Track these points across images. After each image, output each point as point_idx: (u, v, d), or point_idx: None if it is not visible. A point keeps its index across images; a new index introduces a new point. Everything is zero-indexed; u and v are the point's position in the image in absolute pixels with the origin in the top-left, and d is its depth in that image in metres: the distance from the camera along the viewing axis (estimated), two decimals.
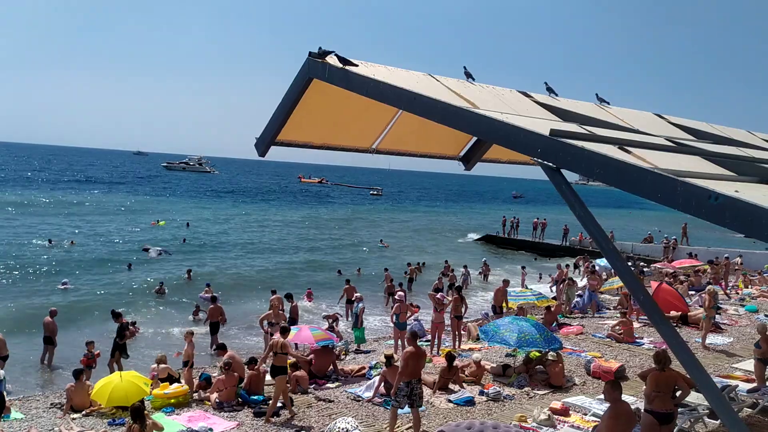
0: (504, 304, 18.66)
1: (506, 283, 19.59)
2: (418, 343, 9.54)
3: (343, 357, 15.35)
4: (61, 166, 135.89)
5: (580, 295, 21.72)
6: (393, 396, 9.30)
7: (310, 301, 23.95)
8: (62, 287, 24.72)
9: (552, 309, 18.42)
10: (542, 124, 5.56)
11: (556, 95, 8.06)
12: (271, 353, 10.86)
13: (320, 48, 6.65)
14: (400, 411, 9.41)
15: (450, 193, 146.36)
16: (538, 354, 12.71)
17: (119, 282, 26.68)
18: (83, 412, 11.08)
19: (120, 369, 13.64)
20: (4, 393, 10.80)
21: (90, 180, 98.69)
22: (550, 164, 4.56)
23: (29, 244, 34.20)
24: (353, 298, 20.06)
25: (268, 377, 11.65)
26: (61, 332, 16.69)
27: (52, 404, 12.11)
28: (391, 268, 28.29)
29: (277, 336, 11.20)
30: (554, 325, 17.68)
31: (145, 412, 8.63)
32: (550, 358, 12.57)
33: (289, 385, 11.97)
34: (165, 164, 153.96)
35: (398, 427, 9.68)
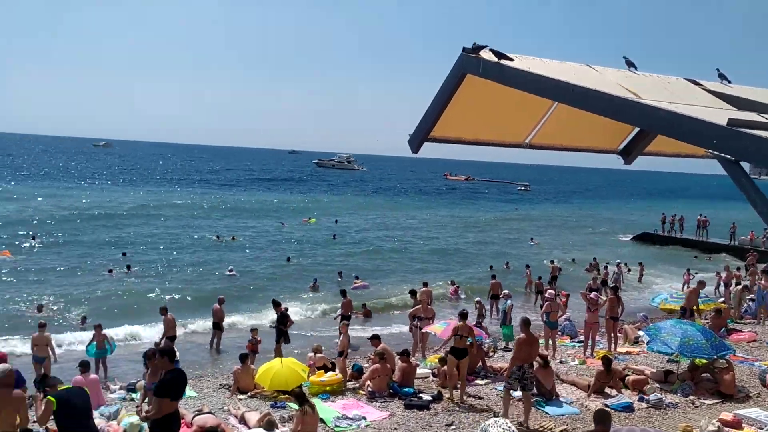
0: (695, 307, 17.60)
1: (702, 284, 18.51)
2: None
3: (491, 354, 15.23)
4: (224, 164, 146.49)
5: (752, 299, 19.85)
6: (506, 379, 10.19)
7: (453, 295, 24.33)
8: (229, 273, 26.79)
9: (722, 313, 16.98)
10: (716, 113, 5.15)
11: (729, 82, 7.43)
12: (453, 336, 11.37)
13: (474, 43, 6.61)
14: (514, 394, 10.17)
15: (603, 188, 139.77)
16: (704, 361, 11.80)
17: (277, 273, 28.32)
18: (248, 394, 11.90)
19: (280, 355, 14.47)
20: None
21: (250, 179, 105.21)
22: (728, 156, 4.22)
23: (202, 239, 37.10)
24: (500, 294, 19.86)
25: (419, 370, 11.87)
26: (226, 317, 18.13)
27: (221, 385, 13.13)
28: (540, 266, 27.63)
29: (456, 321, 11.82)
30: (722, 330, 16.30)
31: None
32: (718, 365, 11.60)
33: (438, 378, 12.11)
34: (316, 161, 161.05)
35: (551, 427, 9.48)
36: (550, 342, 15.30)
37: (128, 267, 26.96)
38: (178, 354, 13.66)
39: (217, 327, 17.48)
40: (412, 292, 17.91)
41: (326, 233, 42.42)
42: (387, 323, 20.62)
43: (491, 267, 29.47)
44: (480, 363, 13.30)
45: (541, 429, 9.61)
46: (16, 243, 32.16)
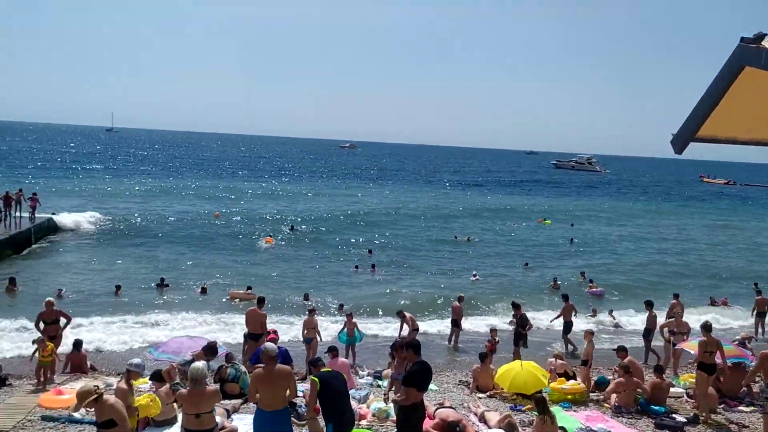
0: None
1: None
2: None
3: (758, 379, 13.52)
4: (471, 166, 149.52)
5: None
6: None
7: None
8: (473, 278, 27.24)
9: None
10: None
11: None
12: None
13: (758, 33, 5.96)
14: None
15: None
16: None
17: (516, 277, 28.25)
18: (487, 393, 12.02)
19: (519, 358, 14.39)
20: None
21: (492, 180, 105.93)
22: None
23: (447, 241, 38.00)
24: (766, 311, 17.59)
25: (672, 390, 11.01)
26: (465, 316, 18.50)
27: (459, 381, 13.44)
28: None
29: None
30: None
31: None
32: None
33: (693, 400, 11.13)
34: (554, 162, 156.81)
35: None
36: None
37: (373, 266, 28.63)
38: None
39: (456, 324, 17.92)
40: (648, 303, 16.56)
41: (563, 236, 41.33)
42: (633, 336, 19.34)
43: (755, 284, 25.87)
44: (744, 388, 11.91)
45: None
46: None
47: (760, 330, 19.45)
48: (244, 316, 14.52)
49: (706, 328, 10.86)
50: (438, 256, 32.95)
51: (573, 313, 17.76)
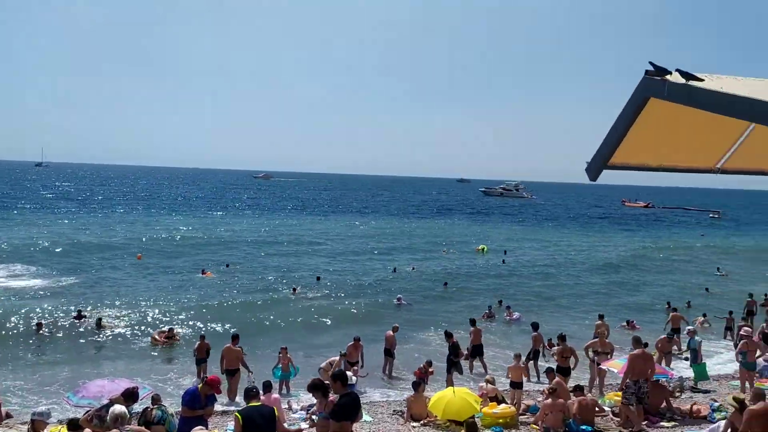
0: None
1: None
2: None
3: (677, 394, 14.11)
4: (394, 194, 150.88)
5: None
6: (622, 394, 11.18)
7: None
8: (397, 302, 27.38)
9: None
10: None
11: None
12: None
13: (651, 63, 6.33)
14: None
15: None
16: None
17: (449, 304, 28.52)
18: (421, 422, 12.03)
19: (452, 385, 14.48)
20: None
21: (417, 207, 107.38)
22: None
23: (378, 270, 37.83)
24: (680, 328, 18.42)
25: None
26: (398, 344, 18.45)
27: (394, 411, 13.40)
28: (733, 301, 25.23)
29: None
30: None
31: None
32: None
33: (618, 418, 11.46)
34: (483, 189, 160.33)
35: None
36: (747, 385, 13.87)
37: (294, 289, 28.97)
38: (354, 379, 14.29)
39: (389, 354, 17.88)
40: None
41: (495, 262, 42.04)
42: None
43: (668, 304, 26.81)
44: (665, 403, 12.38)
45: None
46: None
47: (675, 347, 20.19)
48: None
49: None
50: (372, 285, 32.90)
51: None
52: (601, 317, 19.14)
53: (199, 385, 9.14)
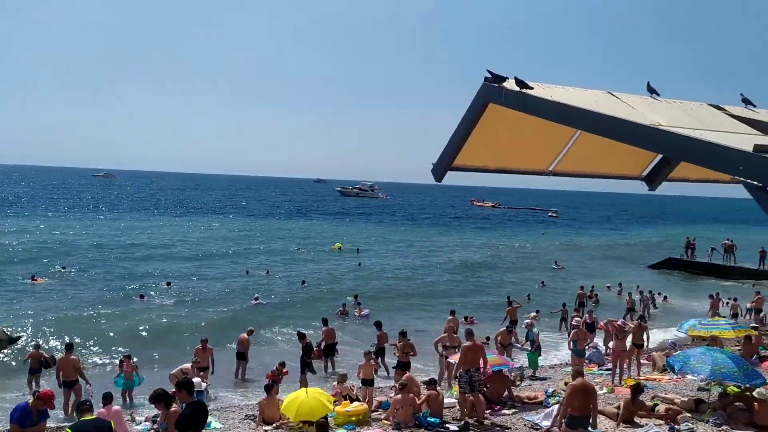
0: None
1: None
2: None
3: (518, 383, 15.04)
4: (252, 194, 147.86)
5: None
6: (458, 383, 11.84)
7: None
8: (254, 302, 26.92)
9: (752, 340, 16.60)
10: (741, 139, 5.14)
11: (754, 107, 7.39)
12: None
13: (489, 71, 6.71)
14: None
15: (631, 214, 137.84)
16: (737, 389, 11.53)
17: (306, 303, 28.44)
18: (274, 425, 11.87)
19: (305, 386, 14.43)
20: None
21: (277, 206, 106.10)
22: (755, 182, 4.20)
23: (233, 272, 36.65)
24: (522, 322, 19.62)
25: (446, 400, 11.77)
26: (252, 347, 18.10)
27: (246, 416, 13.09)
28: (567, 293, 27.38)
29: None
30: (754, 358, 15.91)
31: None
32: (756, 395, 11.25)
33: (465, 410, 11.98)
34: (339, 189, 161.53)
35: None
36: None
37: (141, 296, 27.59)
38: (204, 385, 13.81)
39: (242, 357, 17.50)
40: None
41: (352, 261, 42.49)
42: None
43: (508, 298, 28.13)
44: (506, 392, 13.14)
45: None
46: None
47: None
48: None
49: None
50: (231, 286, 32.04)
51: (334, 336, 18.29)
52: (452, 313, 19.95)
53: (31, 401, 8.45)
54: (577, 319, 16.87)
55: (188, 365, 15.00)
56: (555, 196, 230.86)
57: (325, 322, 18.57)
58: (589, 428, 9.26)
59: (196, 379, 12.95)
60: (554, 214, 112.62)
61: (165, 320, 23.79)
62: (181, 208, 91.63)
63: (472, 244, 58.38)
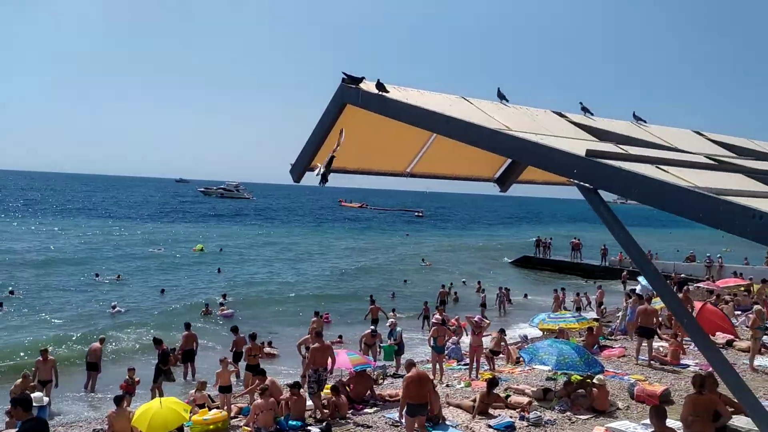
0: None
1: None
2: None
3: (380, 381, 15.26)
4: (105, 195, 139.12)
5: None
6: (306, 384, 12.36)
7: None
8: (112, 311, 25.35)
9: (593, 331, 18.01)
10: (578, 144, 5.50)
11: (592, 115, 7.96)
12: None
13: (344, 73, 6.72)
14: None
15: (490, 215, 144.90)
16: (579, 378, 12.44)
17: (167, 306, 27.21)
18: None
19: (161, 395, 13.77)
20: (47, 419, 10.99)
21: (136, 207, 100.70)
22: (587, 185, 4.49)
23: (81, 278, 34.30)
24: (386, 321, 19.95)
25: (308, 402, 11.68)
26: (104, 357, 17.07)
27: (94, 430, 12.31)
28: (430, 291, 28.31)
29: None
30: (595, 347, 17.28)
31: None
32: (595, 381, 12.21)
33: (327, 410, 11.96)
34: (202, 190, 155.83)
35: None
36: (437, 366, 15.56)
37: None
38: (46, 400, 12.77)
39: (93, 368, 16.37)
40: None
41: (213, 265, 41.19)
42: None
43: (371, 297, 26.75)
44: (369, 391, 13.29)
45: None
46: None
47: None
48: None
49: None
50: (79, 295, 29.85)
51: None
52: (316, 314, 19.90)
53: None
54: (437, 316, 17.37)
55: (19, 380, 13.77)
56: (420, 197, 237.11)
57: (187, 326, 17.85)
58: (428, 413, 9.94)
59: (37, 394, 11.98)
60: (420, 214, 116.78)
61: (6, 334, 21.77)
62: (26, 210, 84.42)
63: (338, 245, 58.70)
